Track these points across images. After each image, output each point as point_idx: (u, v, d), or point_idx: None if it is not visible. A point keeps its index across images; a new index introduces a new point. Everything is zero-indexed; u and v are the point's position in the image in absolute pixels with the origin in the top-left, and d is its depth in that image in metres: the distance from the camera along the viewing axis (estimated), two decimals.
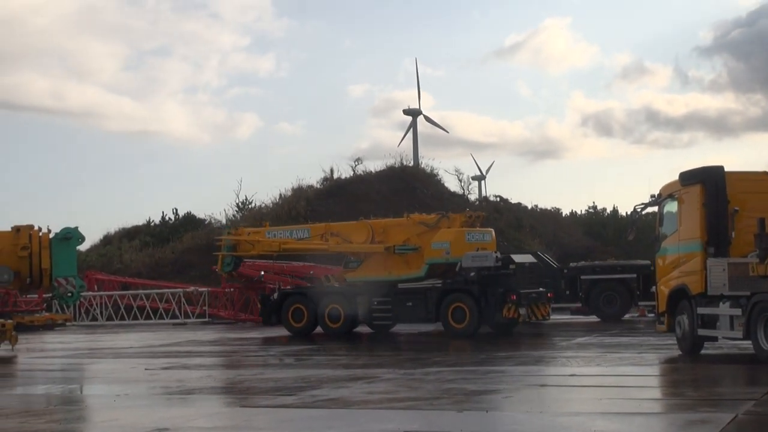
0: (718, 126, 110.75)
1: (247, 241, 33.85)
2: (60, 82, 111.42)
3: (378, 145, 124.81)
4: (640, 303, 35.43)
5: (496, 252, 29.51)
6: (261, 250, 34.07)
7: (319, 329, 31.44)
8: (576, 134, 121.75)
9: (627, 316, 34.95)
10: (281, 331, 32.32)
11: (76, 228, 28.42)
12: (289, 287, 35.91)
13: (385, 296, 30.12)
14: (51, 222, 35.47)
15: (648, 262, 36.17)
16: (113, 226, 67.15)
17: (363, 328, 31.83)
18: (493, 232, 31.57)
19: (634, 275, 34.85)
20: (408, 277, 30.31)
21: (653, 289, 34.10)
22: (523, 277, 29.02)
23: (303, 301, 31.74)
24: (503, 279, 28.38)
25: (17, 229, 27.78)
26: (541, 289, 29.63)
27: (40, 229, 28.02)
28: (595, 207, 65.93)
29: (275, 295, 33.31)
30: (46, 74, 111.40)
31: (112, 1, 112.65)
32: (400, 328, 32.07)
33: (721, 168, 19.44)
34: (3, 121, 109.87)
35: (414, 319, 30.37)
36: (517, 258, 29.90)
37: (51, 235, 28.04)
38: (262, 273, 39.85)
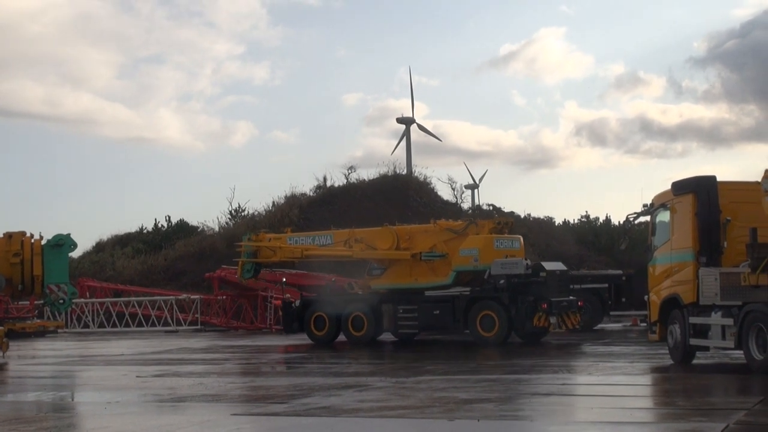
0: (712, 136, 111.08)
1: (269, 248, 33.12)
2: (55, 88, 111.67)
3: (372, 154, 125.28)
4: (612, 312, 35.52)
5: (525, 259, 28.94)
6: (283, 257, 33.41)
7: (341, 337, 30.95)
8: (570, 143, 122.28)
9: (598, 326, 34.70)
10: (274, 340, 32.41)
11: (69, 235, 28.32)
12: (306, 294, 34.61)
13: (411, 304, 29.62)
14: (44, 228, 35.33)
15: (620, 272, 36.12)
16: (106, 232, 67.29)
17: (386, 336, 31.36)
18: (522, 239, 30.90)
19: (606, 285, 34.61)
20: (435, 285, 29.89)
21: (624, 299, 34.53)
22: (553, 285, 28.22)
23: (325, 309, 31.07)
24: (534, 287, 27.64)
25: (9, 236, 27.67)
26: (571, 297, 29.04)
27: (32, 236, 27.92)
28: (588, 216, 65.96)
29: (297, 303, 32.64)
30: (40, 81, 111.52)
31: (108, 9, 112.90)
32: (424, 336, 31.77)
33: (713, 178, 19.48)
34: None
35: (441, 328, 29.98)
36: (548, 266, 29.02)
37: (43, 242, 27.94)
38: (284, 279, 39.40)
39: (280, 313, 34.66)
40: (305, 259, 33.46)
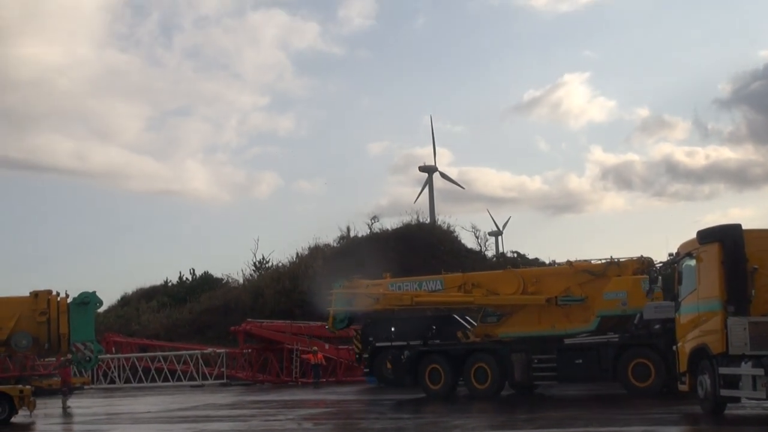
0: (739, 178, 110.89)
1: (368, 295, 31.07)
2: (83, 142, 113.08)
3: (398, 202, 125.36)
4: None
5: None
6: (387, 304, 30.92)
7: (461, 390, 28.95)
8: (596, 188, 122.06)
9: None
10: (301, 394, 32.04)
11: (94, 293, 28.54)
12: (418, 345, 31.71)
13: (548, 353, 27.24)
14: (70, 282, 35.67)
15: None
16: (131, 286, 67.50)
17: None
18: None
19: None
20: (576, 331, 27.53)
21: None
22: None
23: (441, 361, 28.89)
24: None
25: (35, 295, 27.94)
26: None
27: (58, 294, 28.16)
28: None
29: (405, 354, 30.37)
30: (69, 135, 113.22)
31: (135, 63, 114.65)
32: (544, 388, 29.57)
33: (738, 226, 19.31)
34: (25, 183, 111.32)
35: (584, 378, 27.43)
36: None
37: (69, 300, 28.14)
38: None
39: (389, 365, 32.30)
40: (415, 306, 30.89)
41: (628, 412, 21.80)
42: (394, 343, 34.22)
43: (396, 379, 31.29)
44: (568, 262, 28.47)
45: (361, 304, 31.35)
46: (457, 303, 30.52)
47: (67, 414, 29.65)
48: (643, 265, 27.10)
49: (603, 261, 27.76)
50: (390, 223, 62.79)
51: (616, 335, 26.73)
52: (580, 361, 26.51)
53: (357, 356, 37.89)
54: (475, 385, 27.92)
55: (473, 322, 33.91)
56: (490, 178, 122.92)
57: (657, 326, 25.29)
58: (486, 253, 64.44)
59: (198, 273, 65.46)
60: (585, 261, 28.29)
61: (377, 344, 35.36)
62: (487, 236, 71.40)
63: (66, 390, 32.78)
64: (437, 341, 32.22)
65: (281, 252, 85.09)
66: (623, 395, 25.57)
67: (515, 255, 62.67)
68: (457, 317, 33.78)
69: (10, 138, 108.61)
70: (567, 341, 27.36)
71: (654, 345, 25.28)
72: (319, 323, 41.82)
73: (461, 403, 27.36)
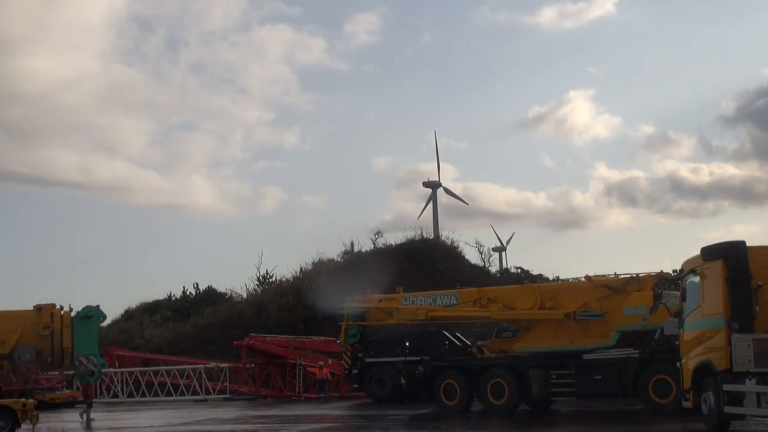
0: (744, 194, 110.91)
1: (381, 309, 31.04)
2: (88, 156, 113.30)
3: (402, 217, 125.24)
4: None
5: None
6: (401, 319, 31.00)
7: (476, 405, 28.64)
8: (600, 204, 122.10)
9: None
10: (304, 409, 31.95)
11: (98, 306, 28.64)
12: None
13: (566, 368, 26.97)
14: (74, 295, 35.87)
15: None
16: (135, 300, 67.47)
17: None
18: None
19: None
20: (595, 347, 27.29)
21: None
22: None
23: (456, 376, 28.49)
24: None
25: (39, 308, 28.04)
26: None
27: (61, 308, 28.26)
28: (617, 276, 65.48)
29: (420, 369, 30.19)
30: (75, 149, 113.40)
31: (141, 77, 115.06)
32: (564, 405, 29.05)
33: (742, 243, 19.30)
34: (31, 196, 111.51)
35: (604, 394, 26.90)
36: None
37: (72, 314, 28.20)
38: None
39: (403, 381, 32.20)
40: (430, 321, 30.82)
41: (635, 428, 21.75)
42: (383, 359, 34.62)
43: (411, 395, 30.85)
44: (587, 277, 28.29)
45: (374, 318, 31.24)
46: (473, 318, 30.34)
47: (90, 427, 29.73)
48: (664, 281, 26.37)
49: (622, 276, 27.53)
50: (394, 238, 62.72)
51: (636, 351, 26.51)
52: (600, 376, 26.23)
53: (346, 372, 38.05)
54: (492, 400, 27.66)
55: (464, 339, 33.90)
56: (495, 194, 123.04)
57: (678, 342, 24.13)
58: (489, 268, 64.41)
59: (202, 287, 65.49)
60: (602, 276, 28.04)
61: (367, 360, 35.59)
62: (491, 252, 71.37)
63: (89, 402, 33.05)
64: (426, 357, 32.07)
65: (285, 267, 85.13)
66: (635, 411, 25.44)
67: (519, 271, 62.61)
68: (446, 333, 33.64)
69: (15, 152, 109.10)
70: (586, 356, 27.15)
71: (675, 361, 24.16)
72: (322, 338, 41.80)
73: (476, 419, 27.24)
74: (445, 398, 28.60)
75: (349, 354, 36.85)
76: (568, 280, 30.16)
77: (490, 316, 29.29)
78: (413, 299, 30.96)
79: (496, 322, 30.43)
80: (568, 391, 27.01)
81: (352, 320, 31.85)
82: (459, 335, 34.20)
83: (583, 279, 28.38)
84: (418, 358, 33.31)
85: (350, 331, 32.36)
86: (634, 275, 27.39)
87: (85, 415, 31.51)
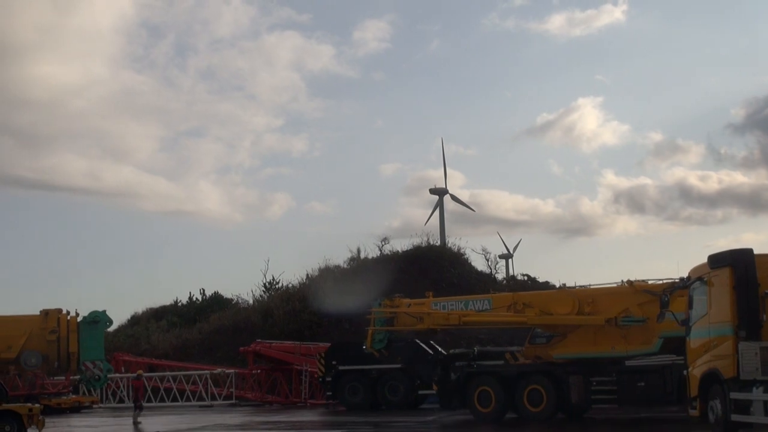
0: (753, 202, 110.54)
1: (412, 314, 30.25)
2: (97, 162, 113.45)
3: (410, 223, 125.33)
4: None
5: None
6: (432, 324, 30.01)
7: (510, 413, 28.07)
8: (608, 211, 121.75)
9: None
10: (309, 415, 31.92)
11: (104, 311, 28.60)
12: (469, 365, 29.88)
13: (606, 375, 26.53)
14: (81, 301, 35.92)
15: None
16: (142, 305, 67.59)
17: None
18: None
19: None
20: (638, 353, 26.44)
21: None
22: None
23: (491, 383, 27.86)
24: None
25: (46, 313, 28.01)
26: None
27: (68, 313, 28.22)
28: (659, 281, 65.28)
29: (455, 375, 29.20)
30: (83, 155, 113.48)
31: (150, 84, 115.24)
32: (596, 413, 28.73)
33: (750, 251, 19.26)
34: (39, 202, 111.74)
35: (647, 401, 26.33)
36: None
37: (79, 319, 28.20)
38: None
39: (435, 387, 31.24)
40: (462, 327, 30.14)
41: None
42: (356, 367, 35.18)
43: (442, 403, 30.36)
44: (628, 282, 27.44)
45: (403, 323, 30.62)
46: (508, 323, 29.64)
47: (138, 430, 30.25)
48: (671, 287, 25.56)
49: (665, 281, 26.53)
50: (400, 245, 62.52)
51: (681, 357, 25.21)
52: (643, 383, 25.79)
53: (320, 379, 38.05)
54: (529, 408, 27.13)
55: (438, 348, 33.72)
56: (503, 201, 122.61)
57: None
58: (496, 275, 64.27)
59: (208, 293, 65.53)
60: (643, 281, 27.30)
61: (340, 367, 35.76)
62: (497, 259, 71.22)
63: (140, 405, 34.49)
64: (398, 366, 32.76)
65: (291, 273, 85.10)
66: (667, 418, 25.07)
67: (525, 278, 62.45)
68: (419, 342, 33.39)
69: (24, 158, 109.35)
70: (628, 363, 26.47)
71: None
72: (329, 344, 41.69)
73: (511, 426, 26.83)
74: (479, 405, 27.94)
75: (322, 362, 37.01)
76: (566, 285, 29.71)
77: (527, 322, 28.51)
78: (444, 304, 30.30)
79: (530, 328, 29.63)
80: (609, 398, 26.59)
81: (379, 325, 31.14)
82: (433, 343, 33.92)
83: (624, 284, 27.50)
84: (391, 366, 34.13)
85: (377, 336, 31.62)
86: (677, 280, 26.17)
87: (139, 418, 33.06)
